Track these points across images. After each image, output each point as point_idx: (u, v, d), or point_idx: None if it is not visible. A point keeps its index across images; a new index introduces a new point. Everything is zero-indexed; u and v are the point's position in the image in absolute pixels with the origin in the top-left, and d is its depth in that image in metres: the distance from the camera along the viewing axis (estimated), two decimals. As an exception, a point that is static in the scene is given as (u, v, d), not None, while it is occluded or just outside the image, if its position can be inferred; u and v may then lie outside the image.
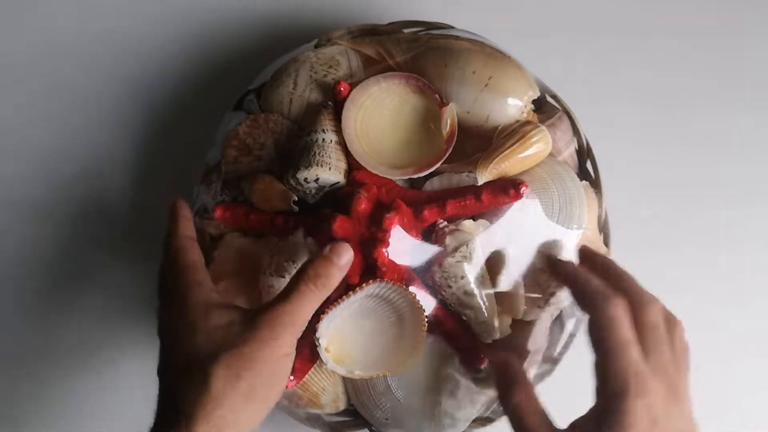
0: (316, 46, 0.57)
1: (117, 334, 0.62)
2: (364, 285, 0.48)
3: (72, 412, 0.62)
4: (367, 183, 0.50)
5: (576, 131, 0.55)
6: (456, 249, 0.49)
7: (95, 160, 0.64)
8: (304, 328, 0.46)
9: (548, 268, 0.50)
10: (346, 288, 0.49)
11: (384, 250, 0.48)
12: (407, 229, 0.49)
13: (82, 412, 0.62)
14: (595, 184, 0.55)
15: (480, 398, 0.53)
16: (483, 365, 0.51)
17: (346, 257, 0.47)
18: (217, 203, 0.53)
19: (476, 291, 0.49)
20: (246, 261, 0.53)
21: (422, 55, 0.54)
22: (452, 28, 0.58)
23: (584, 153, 0.55)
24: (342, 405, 0.55)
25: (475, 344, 0.51)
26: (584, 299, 0.45)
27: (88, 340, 0.62)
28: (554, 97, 0.56)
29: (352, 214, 0.49)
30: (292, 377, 0.51)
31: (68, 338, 0.62)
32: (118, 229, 0.63)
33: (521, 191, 0.49)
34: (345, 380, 0.54)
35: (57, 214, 0.63)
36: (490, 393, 0.53)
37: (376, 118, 0.53)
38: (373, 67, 0.56)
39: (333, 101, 0.53)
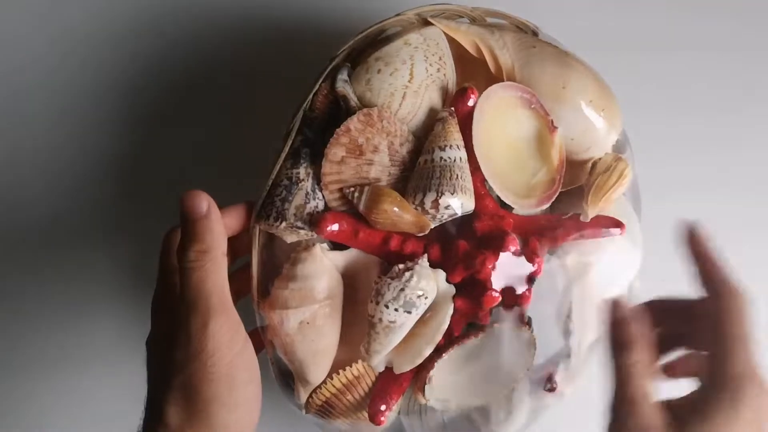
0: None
1: (113, 341, 0.58)
2: (495, 324, 0.46)
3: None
4: (505, 216, 0.46)
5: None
6: (568, 289, 0.49)
7: (92, 162, 0.59)
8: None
9: (685, 240, 0.46)
10: (477, 327, 0.46)
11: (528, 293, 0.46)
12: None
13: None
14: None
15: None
16: (557, 393, 0.52)
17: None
18: (320, 213, 0.44)
19: (574, 331, 0.50)
20: (346, 283, 0.45)
21: (536, 66, 0.49)
22: (537, 33, 0.54)
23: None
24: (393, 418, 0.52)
25: (552, 373, 0.52)
26: (712, 281, 0.44)
27: (85, 343, 0.59)
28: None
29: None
30: (384, 407, 0.47)
31: (65, 341, 0.59)
32: (115, 231, 0.59)
33: (623, 231, 0.51)
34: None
35: (55, 216, 0.58)
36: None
37: (497, 136, 0.48)
38: (465, 63, 0.50)
39: (456, 109, 0.46)
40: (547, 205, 0.49)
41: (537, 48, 0.51)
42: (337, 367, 0.47)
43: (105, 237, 0.58)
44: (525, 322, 0.47)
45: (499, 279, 0.45)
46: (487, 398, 0.49)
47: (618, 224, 0.51)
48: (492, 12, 0.53)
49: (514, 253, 0.46)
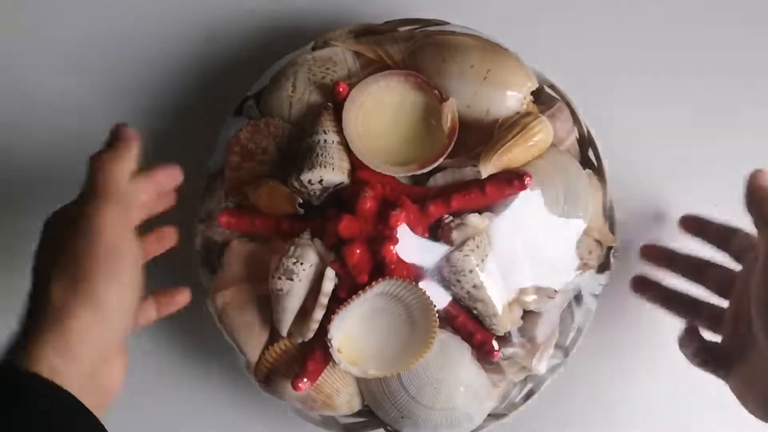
0: (313, 49, 0.57)
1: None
2: (373, 283, 0.48)
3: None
4: (372, 182, 0.50)
5: (576, 120, 0.55)
6: (463, 243, 0.49)
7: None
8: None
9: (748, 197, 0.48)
10: (355, 287, 0.49)
11: (392, 247, 0.48)
12: (414, 226, 0.50)
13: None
14: (599, 171, 0.55)
15: (495, 392, 0.53)
16: (496, 358, 0.51)
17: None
18: (222, 210, 0.54)
19: (485, 284, 0.49)
20: (254, 266, 0.53)
21: (419, 51, 0.54)
22: (447, 24, 0.58)
23: (585, 141, 0.55)
24: (356, 405, 0.55)
25: (487, 337, 0.51)
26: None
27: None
28: (552, 87, 0.56)
29: (358, 213, 0.49)
30: (305, 380, 0.51)
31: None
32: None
33: (525, 182, 0.50)
34: (359, 380, 0.54)
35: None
36: (504, 386, 0.53)
37: (377, 117, 0.53)
38: (372, 67, 0.56)
39: (333, 102, 0.53)
40: (429, 168, 0.51)
41: (421, 37, 0.55)
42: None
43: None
44: (413, 281, 0.49)
45: (362, 239, 0.49)
46: (405, 363, 0.50)
47: (517, 177, 0.50)
48: (403, 21, 0.59)
49: (370, 213, 0.49)
